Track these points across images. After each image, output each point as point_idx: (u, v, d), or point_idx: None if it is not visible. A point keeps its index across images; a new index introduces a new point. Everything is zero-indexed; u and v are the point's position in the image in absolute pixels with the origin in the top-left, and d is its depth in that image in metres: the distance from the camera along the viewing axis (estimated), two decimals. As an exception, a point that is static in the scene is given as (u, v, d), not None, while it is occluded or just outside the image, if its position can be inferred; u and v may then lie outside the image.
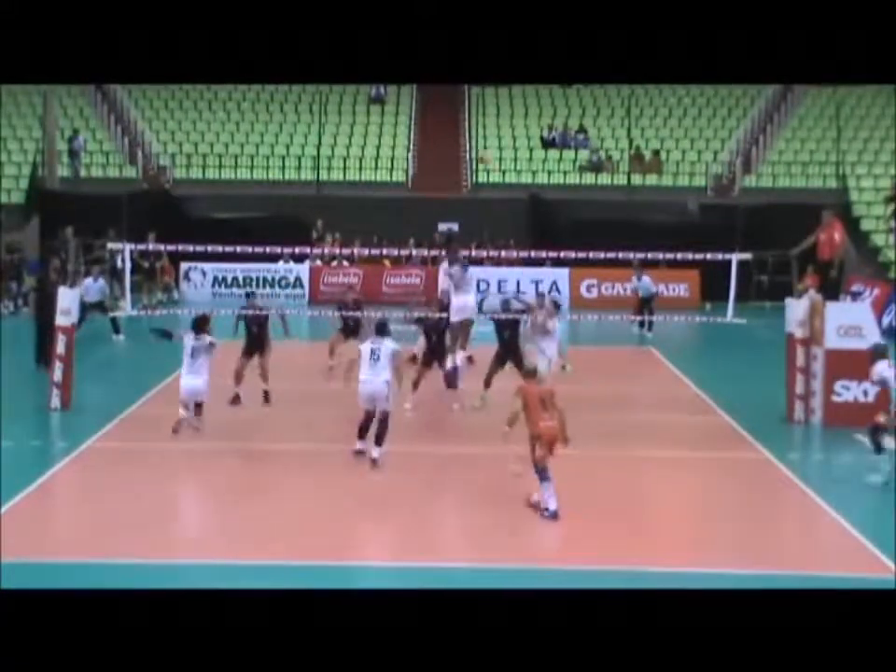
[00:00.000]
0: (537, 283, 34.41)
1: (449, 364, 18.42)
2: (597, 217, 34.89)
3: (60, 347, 18.06)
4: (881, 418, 14.95)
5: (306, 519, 12.86)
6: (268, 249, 20.69)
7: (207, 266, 34.83)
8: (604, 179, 39.80)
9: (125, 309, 22.90)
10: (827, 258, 18.87)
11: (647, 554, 11.73)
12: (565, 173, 40.25)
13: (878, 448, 14.88)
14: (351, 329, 21.04)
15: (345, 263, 35.44)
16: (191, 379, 16.08)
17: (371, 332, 16.33)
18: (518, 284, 34.55)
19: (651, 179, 39.98)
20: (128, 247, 21.80)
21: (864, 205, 38.50)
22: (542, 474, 12.77)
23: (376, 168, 40.39)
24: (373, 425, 15.14)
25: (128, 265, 21.49)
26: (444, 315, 18.83)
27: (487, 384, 18.57)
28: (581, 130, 41.72)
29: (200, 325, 16.37)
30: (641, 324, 28.16)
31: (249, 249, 20.26)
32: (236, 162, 40.17)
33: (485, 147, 41.13)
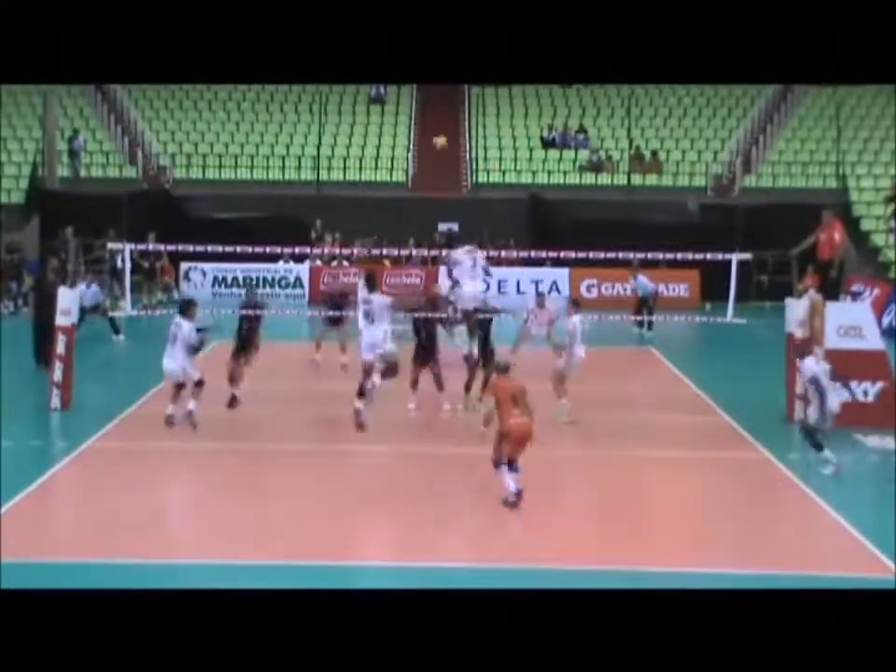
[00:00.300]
0: (537, 283, 34.41)
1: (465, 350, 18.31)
2: (597, 217, 34.88)
3: (60, 347, 18.06)
4: (808, 416, 15.09)
5: (306, 519, 12.86)
6: (268, 249, 20.70)
7: (207, 266, 34.83)
8: (604, 179, 39.81)
9: (125, 309, 22.88)
10: (827, 258, 18.87)
11: (647, 554, 11.73)
12: (565, 173, 40.26)
13: (817, 447, 14.96)
14: (334, 321, 21.27)
15: (345, 263, 35.43)
16: (167, 362, 16.58)
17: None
18: (518, 284, 34.56)
19: (651, 179, 39.99)
20: (128, 247, 21.79)
21: (864, 205, 38.51)
22: (510, 465, 13.01)
23: (376, 168, 40.40)
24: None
25: (128, 265, 21.48)
26: (436, 314, 18.75)
27: (467, 388, 18.43)
28: (581, 130, 41.72)
29: (182, 310, 16.89)
30: (640, 323, 28.16)
31: (249, 249, 20.25)
32: (236, 162, 40.18)
33: (486, 147, 41.15)
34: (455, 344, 19.38)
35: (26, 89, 40.28)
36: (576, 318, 18.05)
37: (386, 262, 34.92)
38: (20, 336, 23.04)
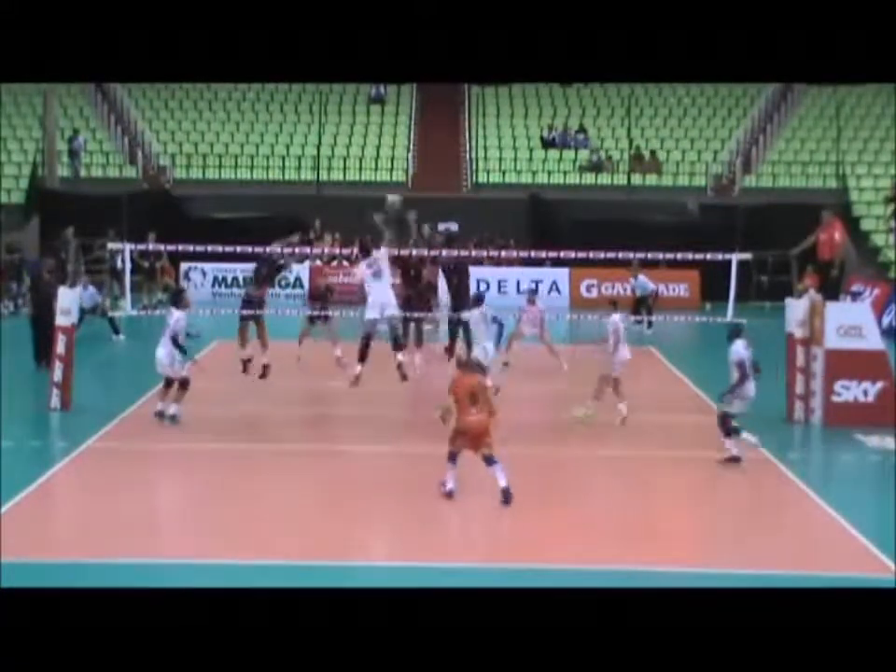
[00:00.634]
0: (537, 283, 34.41)
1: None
2: (597, 217, 34.89)
3: (60, 347, 18.05)
4: (728, 407, 15.27)
5: (306, 519, 12.86)
6: (268, 249, 20.68)
7: (207, 266, 34.85)
8: (604, 179, 39.82)
9: (125, 309, 22.88)
10: (827, 258, 18.87)
11: (646, 554, 11.72)
12: (565, 173, 40.27)
13: (731, 432, 15.22)
14: (317, 317, 21.56)
15: (345, 263, 35.39)
16: (158, 349, 17.09)
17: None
18: (518, 284, 34.56)
19: (651, 179, 39.99)
20: (128, 247, 21.79)
21: (864, 205, 38.52)
22: (489, 461, 13.16)
23: (376, 168, 40.40)
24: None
25: (128, 265, 21.48)
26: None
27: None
28: (581, 130, 41.73)
29: (174, 300, 17.58)
30: (640, 321, 28.16)
31: (249, 249, 20.25)
32: (236, 162, 40.19)
33: (486, 147, 41.14)
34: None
35: (26, 89, 40.28)
36: (616, 318, 17.99)
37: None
38: (20, 336, 23.04)
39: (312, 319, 22.09)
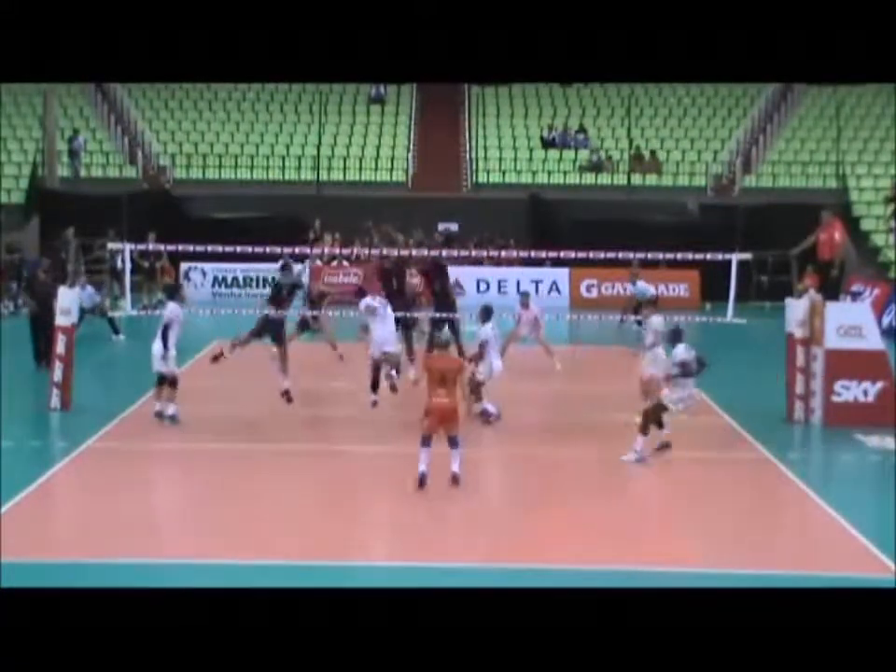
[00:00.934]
0: (537, 283, 34.45)
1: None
2: (597, 217, 34.91)
3: (60, 347, 18.05)
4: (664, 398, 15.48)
5: (306, 518, 12.86)
6: (268, 249, 20.72)
7: (207, 266, 34.87)
8: (604, 179, 39.84)
9: (125, 309, 22.90)
10: (827, 258, 18.87)
11: (646, 554, 11.72)
12: (565, 173, 40.28)
13: (659, 425, 15.52)
14: (306, 323, 21.79)
15: (345, 263, 35.42)
16: (153, 345, 17.19)
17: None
18: (518, 284, 34.57)
19: (651, 179, 40.00)
20: (128, 247, 21.80)
21: (864, 205, 38.53)
22: (450, 441, 13.61)
23: (376, 168, 40.42)
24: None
25: (128, 265, 21.49)
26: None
27: None
28: (581, 130, 41.74)
29: (170, 295, 18.06)
30: (639, 323, 28.13)
31: (249, 249, 20.27)
32: (236, 162, 40.21)
33: (486, 147, 41.16)
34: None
35: (26, 89, 40.30)
36: (656, 319, 17.96)
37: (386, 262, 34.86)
38: (20, 336, 23.04)
39: (302, 326, 22.17)
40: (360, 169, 40.34)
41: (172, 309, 17.14)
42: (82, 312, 23.10)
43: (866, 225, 37.66)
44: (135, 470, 14.78)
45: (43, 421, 17.81)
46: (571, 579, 10.48)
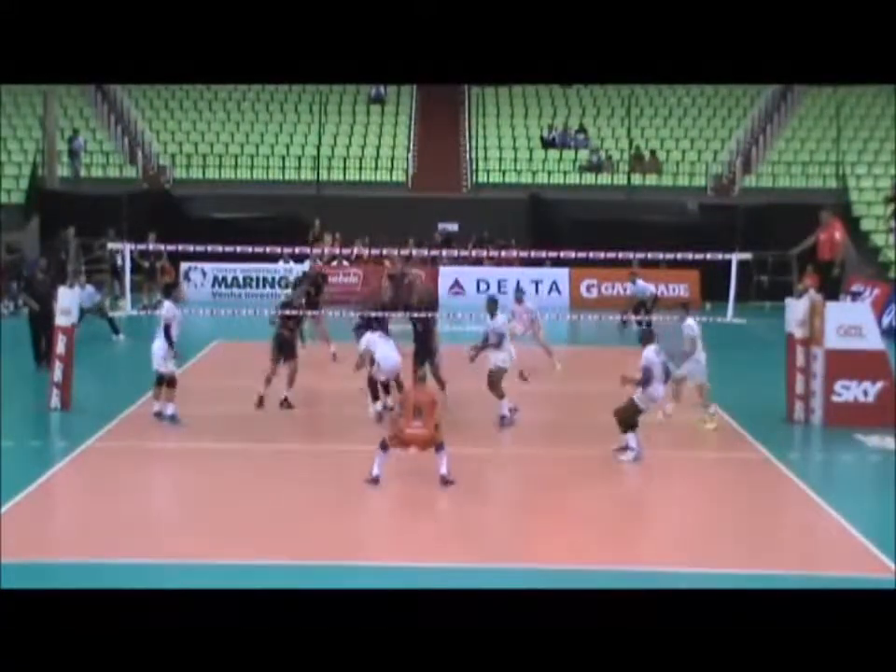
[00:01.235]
0: (537, 283, 34.44)
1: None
2: (597, 217, 34.89)
3: (60, 347, 18.05)
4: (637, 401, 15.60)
5: (306, 518, 12.86)
6: (268, 249, 20.70)
7: (207, 266, 34.86)
8: (604, 179, 39.81)
9: (125, 309, 22.90)
10: (827, 258, 18.87)
11: (646, 554, 11.73)
12: (565, 173, 40.26)
13: (631, 427, 15.55)
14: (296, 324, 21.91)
15: (345, 263, 35.41)
16: (153, 344, 17.33)
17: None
18: (518, 284, 34.56)
19: (651, 179, 39.99)
20: (128, 247, 21.81)
21: (864, 205, 38.51)
22: (384, 445, 13.92)
23: (376, 168, 40.40)
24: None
25: (128, 265, 21.49)
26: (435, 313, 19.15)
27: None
28: (581, 130, 41.72)
29: (166, 293, 18.32)
30: (639, 323, 28.13)
31: (249, 249, 20.26)
32: (236, 162, 40.18)
33: (486, 147, 41.16)
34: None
35: (26, 89, 40.26)
36: (691, 322, 17.96)
37: (387, 262, 34.88)
38: (20, 336, 23.04)
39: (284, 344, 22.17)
40: (360, 169, 40.32)
41: (168, 308, 17.21)
42: (82, 312, 23.10)
43: (866, 225, 37.64)
44: (135, 470, 14.78)
45: (43, 421, 17.81)
46: (571, 579, 10.48)
